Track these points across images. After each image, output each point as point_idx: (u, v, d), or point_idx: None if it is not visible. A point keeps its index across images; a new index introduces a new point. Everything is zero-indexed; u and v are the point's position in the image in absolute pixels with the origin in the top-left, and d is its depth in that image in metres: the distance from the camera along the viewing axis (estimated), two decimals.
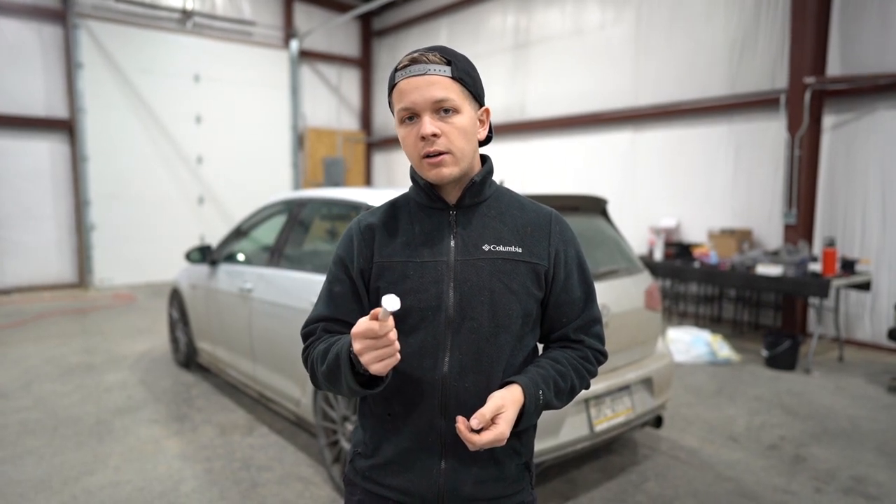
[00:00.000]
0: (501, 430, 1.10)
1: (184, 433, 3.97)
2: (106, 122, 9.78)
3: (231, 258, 4.61)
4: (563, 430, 2.85)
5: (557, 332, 1.33)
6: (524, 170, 9.63)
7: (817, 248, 6.36)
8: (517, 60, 9.86)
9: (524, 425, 1.19)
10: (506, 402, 1.13)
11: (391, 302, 1.00)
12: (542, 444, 2.75)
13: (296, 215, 4.10)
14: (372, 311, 1.04)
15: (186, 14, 10.74)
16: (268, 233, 4.47)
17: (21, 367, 5.43)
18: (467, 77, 1.21)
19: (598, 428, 2.99)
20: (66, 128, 9.58)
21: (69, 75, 9.51)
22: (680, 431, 4.03)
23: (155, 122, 10.35)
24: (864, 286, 5.71)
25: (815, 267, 5.56)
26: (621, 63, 8.33)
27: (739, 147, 7.08)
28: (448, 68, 1.18)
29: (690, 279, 6.56)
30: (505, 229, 1.26)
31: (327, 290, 1.33)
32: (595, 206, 3.62)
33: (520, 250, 1.25)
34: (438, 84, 1.16)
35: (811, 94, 6.20)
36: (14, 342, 6.31)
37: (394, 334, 1.04)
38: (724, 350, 5.73)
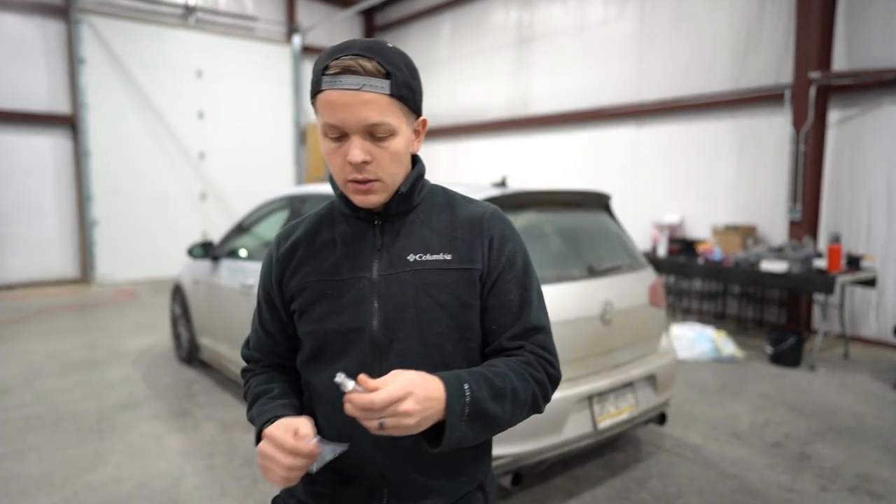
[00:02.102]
0: (390, 389, 0.92)
1: (185, 429, 3.97)
2: (108, 118, 9.77)
3: (233, 254, 4.60)
4: (566, 427, 2.83)
5: (491, 345, 1.15)
6: (527, 165, 9.60)
7: (822, 244, 6.32)
8: (520, 56, 9.82)
9: (452, 438, 0.98)
10: (404, 375, 0.95)
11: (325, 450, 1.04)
12: (544, 442, 2.74)
13: (298, 211, 4.08)
14: (304, 442, 0.99)
15: (189, 9, 10.72)
16: (270, 228, 4.46)
17: (23, 362, 5.43)
18: (407, 91, 1.04)
19: (602, 425, 2.98)
20: (69, 123, 9.57)
21: (72, 71, 9.50)
22: (684, 428, 4.01)
23: (157, 117, 10.34)
24: (870, 282, 5.67)
25: (821, 263, 5.53)
26: (624, 58, 8.28)
27: (744, 142, 7.03)
28: (387, 83, 1.01)
29: (694, 275, 6.53)
30: (433, 235, 1.13)
31: (257, 318, 1.27)
32: (598, 202, 3.60)
33: (449, 257, 1.12)
34: (374, 104, 1.00)
35: (816, 90, 6.15)
36: (16, 338, 6.31)
37: (300, 461, 1.00)
38: (728, 347, 5.70)
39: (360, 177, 1.05)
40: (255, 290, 3.86)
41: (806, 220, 6.35)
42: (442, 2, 11.31)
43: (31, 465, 3.45)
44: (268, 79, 11.64)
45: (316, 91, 1.04)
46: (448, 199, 1.20)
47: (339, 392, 0.98)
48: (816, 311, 6.50)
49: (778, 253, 5.92)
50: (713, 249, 6.46)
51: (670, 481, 3.30)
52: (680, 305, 7.60)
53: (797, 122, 6.30)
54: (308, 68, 12.39)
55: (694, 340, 5.72)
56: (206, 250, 4.78)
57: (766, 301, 6.90)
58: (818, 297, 6.15)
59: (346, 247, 1.15)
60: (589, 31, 8.76)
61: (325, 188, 4.02)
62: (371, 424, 0.92)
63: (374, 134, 1.02)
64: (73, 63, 9.43)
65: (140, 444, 3.74)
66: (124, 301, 8.47)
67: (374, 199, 1.09)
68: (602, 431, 2.98)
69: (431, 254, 1.12)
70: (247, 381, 1.25)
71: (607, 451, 3.64)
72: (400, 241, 1.13)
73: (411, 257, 1.11)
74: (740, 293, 7.08)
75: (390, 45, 1.06)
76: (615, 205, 5.84)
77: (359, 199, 1.09)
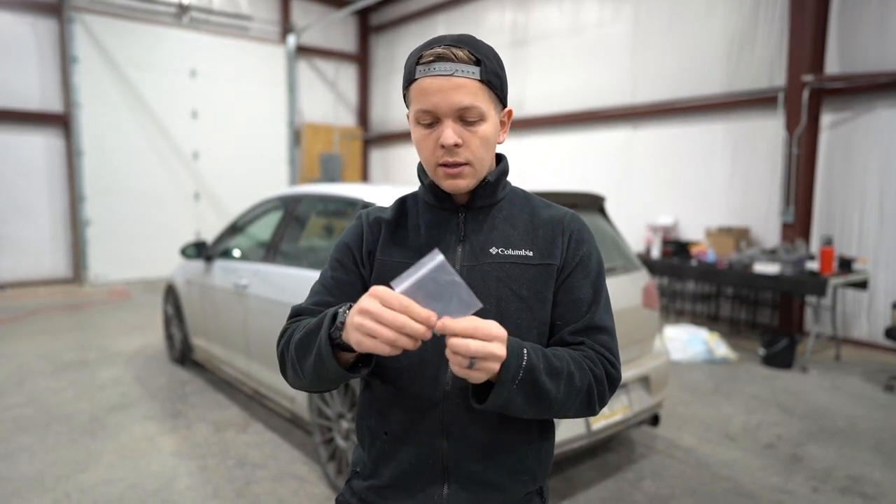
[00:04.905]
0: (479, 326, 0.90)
1: (178, 430, 3.95)
2: (101, 117, 9.71)
3: (227, 254, 4.58)
4: (559, 428, 2.83)
5: (553, 338, 1.16)
6: (522, 167, 9.61)
7: (815, 246, 6.35)
8: (515, 57, 9.83)
9: (500, 397, 0.96)
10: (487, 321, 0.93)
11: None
12: None
13: (292, 211, 4.08)
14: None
15: (183, 8, 10.68)
16: (263, 229, 4.45)
17: (14, 363, 5.39)
18: (496, 79, 1.09)
19: (595, 427, 2.98)
20: (61, 122, 9.52)
21: (64, 69, 9.44)
22: (677, 430, 4.02)
23: (151, 117, 10.30)
24: (862, 285, 5.71)
25: (813, 265, 5.56)
26: (619, 60, 8.30)
27: (737, 145, 7.07)
28: (477, 70, 1.05)
29: (688, 277, 6.55)
30: (515, 232, 1.16)
31: (330, 278, 1.20)
32: (592, 204, 3.60)
33: (531, 253, 1.14)
34: (465, 88, 1.04)
35: (809, 93, 6.19)
36: (7, 338, 6.27)
37: (404, 326, 0.86)
38: (721, 348, 5.72)
39: (450, 160, 1.07)
40: (248, 291, 3.87)
41: (798, 223, 6.38)
42: (436, 3, 11.32)
43: (22, 466, 3.42)
44: (262, 79, 11.61)
45: (409, 81, 1.08)
46: (529, 201, 1.23)
47: (409, 376, 1.10)
48: (809, 314, 6.53)
49: (771, 255, 5.94)
50: (706, 251, 6.49)
51: (663, 483, 3.30)
52: (673, 307, 7.62)
53: (790, 125, 6.33)
54: (302, 68, 12.39)
55: (687, 342, 5.74)
56: (200, 250, 4.76)
57: (759, 303, 6.93)
58: (810, 299, 6.19)
59: (430, 234, 1.17)
60: (584, 34, 8.78)
61: (320, 188, 4.02)
62: (460, 362, 0.89)
63: (465, 118, 1.06)
64: (66, 62, 9.38)
65: (132, 445, 3.72)
66: (117, 301, 8.42)
67: (462, 184, 1.10)
68: (595, 433, 2.99)
69: (513, 249, 1.14)
70: (294, 326, 1.13)
71: (600, 453, 3.64)
72: (482, 234, 1.16)
73: (493, 250, 1.14)
74: (733, 295, 7.11)
75: (479, 39, 1.10)
76: (609, 206, 5.87)
77: (448, 184, 1.11)
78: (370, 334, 0.87)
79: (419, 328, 0.86)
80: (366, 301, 0.89)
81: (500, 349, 0.92)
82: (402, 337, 0.87)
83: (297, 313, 1.18)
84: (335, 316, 0.99)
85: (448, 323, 0.88)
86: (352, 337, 0.91)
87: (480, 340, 0.89)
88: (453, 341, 0.88)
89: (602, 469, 3.45)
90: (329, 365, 0.99)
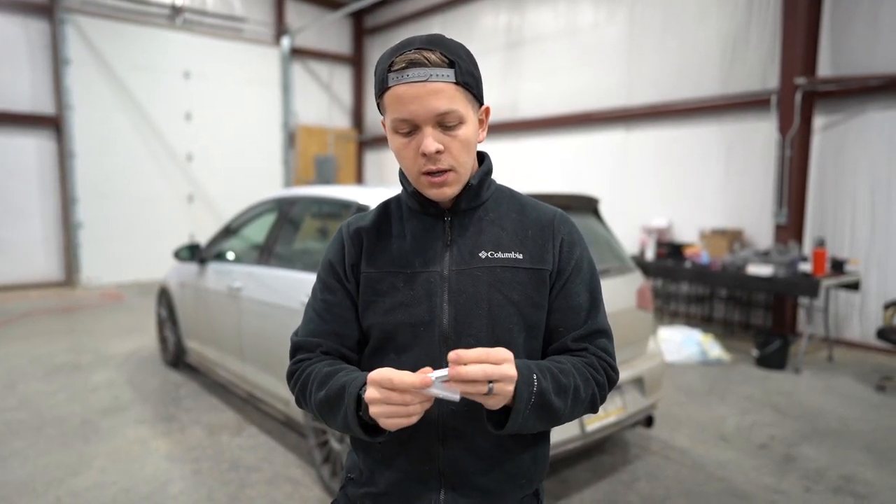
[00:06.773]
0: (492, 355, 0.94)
1: (171, 433, 3.93)
2: (94, 119, 9.68)
3: (220, 257, 4.57)
4: (554, 430, 2.83)
5: (555, 344, 1.16)
6: (516, 169, 9.62)
7: (807, 248, 6.39)
8: (510, 59, 9.85)
9: (515, 424, 0.99)
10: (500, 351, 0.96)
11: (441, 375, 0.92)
12: None
13: (286, 213, 4.07)
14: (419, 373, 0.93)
15: (176, 10, 10.65)
16: (258, 231, 4.43)
17: (6, 366, 5.35)
18: (471, 79, 1.06)
19: (590, 428, 2.98)
20: (54, 124, 9.47)
21: (56, 71, 9.40)
22: (671, 431, 4.03)
23: (144, 119, 10.26)
24: (854, 286, 5.74)
25: (806, 267, 5.59)
26: (614, 63, 8.33)
27: (731, 147, 7.10)
28: (452, 72, 1.02)
29: (682, 279, 6.57)
30: (504, 234, 1.14)
31: (320, 301, 1.19)
32: (587, 206, 3.61)
33: (520, 256, 1.13)
34: (442, 93, 1.01)
35: (802, 95, 6.22)
36: None
37: (412, 398, 0.92)
38: (714, 350, 5.74)
39: (434, 168, 1.05)
40: (242, 293, 3.86)
41: (791, 225, 6.41)
42: (432, 4, 11.33)
43: (14, 470, 3.40)
44: (256, 80, 11.59)
45: (382, 89, 1.05)
46: (516, 200, 1.21)
47: None
48: (801, 315, 6.56)
49: (764, 257, 5.97)
50: (700, 253, 6.51)
51: (658, 483, 3.31)
52: (667, 309, 7.64)
53: (783, 127, 6.36)
54: (297, 70, 12.37)
55: (681, 343, 5.76)
56: (193, 253, 4.74)
57: (753, 304, 6.96)
58: (803, 300, 6.21)
59: (416, 241, 1.15)
60: (578, 36, 8.80)
61: (314, 191, 4.01)
62: (480, 389, 0.92)
63: (444, 123, 1.04)
64: (58, 63, 9.34)
65: (125, 448, 3.70)
66: (109, 304, 8.38)
67: (448, 192, 1.09)
68: (590, 434, 2.99)
69: (503, 252, 1.13)
70: (303, 370, 1.15)
71: (595, 454, 3.64)
72: (470, 237, 1.14)
73: (483, 254, 1.12)
74: (727, 297, 7.13)
75: (448, 37, 1.07)
76: (604, 208, 5.88)
77: (433, 193, 1.09)
78: (388, 417, 0.94)
79: (420, 395, 0.93)
80: (369, 392, 0.95)
81: (512, 369, 0.94)
82: (413, 406, 0.93)
83: (297, 348, 1.19)
84: (358, 399, 1.01)
85: (461, 352, 0.91)
86: (379, 422, 0.96)
87: (493, 364, 0.92)
88: (469, 370, 0.90)
89: (596, 470, 3.45)
90: (363, 438, 1.04)
